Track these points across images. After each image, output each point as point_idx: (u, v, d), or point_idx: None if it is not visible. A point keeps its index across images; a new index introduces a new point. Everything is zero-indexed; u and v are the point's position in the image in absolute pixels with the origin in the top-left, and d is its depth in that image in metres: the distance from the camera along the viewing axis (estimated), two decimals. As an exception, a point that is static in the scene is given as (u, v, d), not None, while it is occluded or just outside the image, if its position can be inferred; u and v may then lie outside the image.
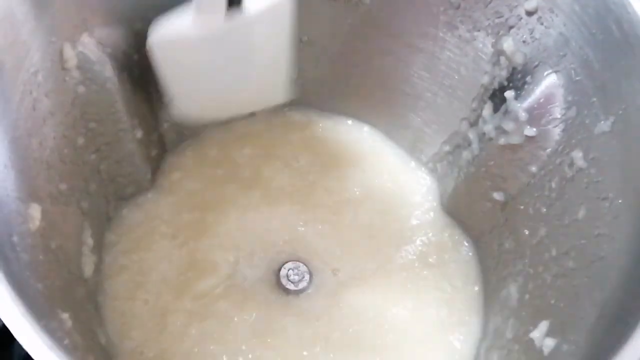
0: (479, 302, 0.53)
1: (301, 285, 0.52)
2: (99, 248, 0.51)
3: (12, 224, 0.35)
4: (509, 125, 0.46)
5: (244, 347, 0.49)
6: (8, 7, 0.36)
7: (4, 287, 0.30)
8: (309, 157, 0.58)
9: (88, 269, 0.47)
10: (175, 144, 0.58)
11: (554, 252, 0.44)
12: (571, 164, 0.42)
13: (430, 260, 0.54)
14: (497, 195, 0.50)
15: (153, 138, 0.54)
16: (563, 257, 0.43)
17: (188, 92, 0.47)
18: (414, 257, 0.54)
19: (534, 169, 0.46)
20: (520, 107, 0.45)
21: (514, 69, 0.45)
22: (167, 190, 0.56)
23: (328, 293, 0.52)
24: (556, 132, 0.43)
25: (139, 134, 0.51)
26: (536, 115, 0.44)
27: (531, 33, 0.43)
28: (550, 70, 0.42)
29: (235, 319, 0.50)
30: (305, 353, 0.49)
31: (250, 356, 0.49)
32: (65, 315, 0.37)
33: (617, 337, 0.32)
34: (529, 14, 0.43)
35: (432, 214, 0.57)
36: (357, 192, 0.57)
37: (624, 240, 0.37)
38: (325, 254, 0.54)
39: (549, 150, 0.44)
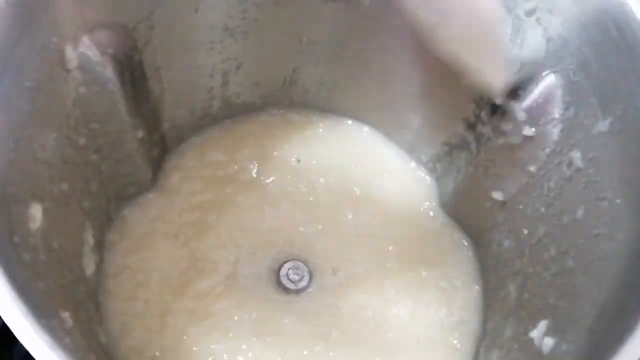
0: (478, 301, 0.53)
1: (301, 285, 0.52)
2: (100, 248, 0.51)
3: (13, 224, 0.35)
4: (507, 126, 0.46)
5: (244, 347, 0.49)
6: (8, 7, 0.36)
7: (5, 287, 0.30)
8: (309, 157, 0.59)
9: (89, 269, 0.47)
10: (176, 144, 0.58)
11: (553, 252, 0.44)
12: (570, 164, 0.43)
13: (430, 260, 0.54)
14: (497, 195, 0.50)
15: (154, 138, 0.54)
16: (562, 257, 0.43)
17: None
18: (414, 256, 0.54)
19: (532, 168, 0.46)
20: (518, 107, 0.45)
21: (512, 69, 0.45)
22: (168, 190, 0.56)
23: (328, 292, 0.52)
24: (555, 132, 0.43)
25: (140, 134, 0.51)
26: (535, 115, 0.44)
27: (530, 34, 0.43)
28: (548, 71, 0.43)
29: (236, 318, 0.50)
30: (305, 352, 0.49)
31: (250, 355, 0.49)
32: (66, 315, 0.37)
33: (616, 337, 0.32)
34: (528, 14, 0.43)
35: (431, 213, 0.57)
36: (357, 192, 0.57)
37: (622, 240, 0.38)
38: (325, 253, 0.54)
39: (547, 150, 0.44)
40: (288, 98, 0.60)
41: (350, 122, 0.61)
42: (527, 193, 0.47)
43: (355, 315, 0.51)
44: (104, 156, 0.49)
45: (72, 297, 0.42)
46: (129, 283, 0.51)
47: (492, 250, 0.52)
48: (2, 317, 0.30)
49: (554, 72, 0.42)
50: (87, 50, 0.43)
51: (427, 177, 0.59)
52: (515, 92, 0.46)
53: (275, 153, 0.58)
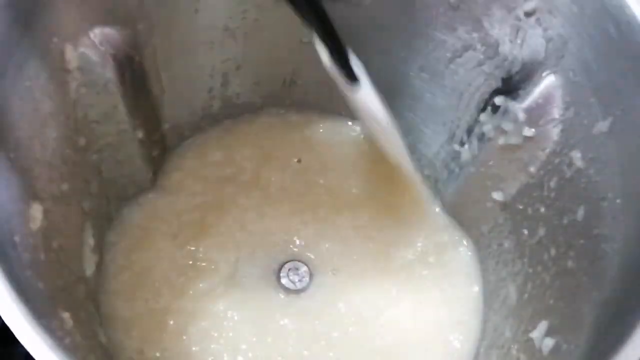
0: (478, 301, 0.53)
1: (301, 285, 0.52)
2: (100, 248, 0.51)
3: (13, 224, 0.35)
4: (508, 126, 0.46)
5: (244, 347, 0.49)
6: (9, 7, 0.36)
7: (5, 287, 0.30)
8: (309, 157, 0.59)
9: (89, 269, 0.47)
10: (176, 144, 0.58)
11: (553, 252, 0.44)
12: (570, 164, 0.43)
13: (430, 260, 0.54)
14: (497, 195, 0.50)
15: (154, 138, 0.54)
16: (562, 257, 0.43)
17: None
18: (414, 257, 0.54)
19: (533, 169, 0.46)
20: (519, 107, 0.45)
21: (512, 69, 0.46)
22: (168, 190, 0.56)
23: (328, 293, 0.52)
24: (555, 132, 0.43)
25: (140, 134, 0.51)
26: (535, 115, 0.44)
27: (530, 34, 0.43)
28: (548, 71, 0.43)
29: (236, 319, 0.50)
30: (305, 352, 0.49)
31: (250, 355, 0.49)
32: (66, 315, 0.37)
33: (616, 337, 0.32)
34: (528, 15, 0.43)
35: (432, 214, 0.57)
36: (357, 192, 0.57)
37: (622, 240, 0.38)
38: (325, 254, 0.54)
39: (547, 150, 0.44)
40: (288, 98, 0.60)
41: (350, 122, 0.61)
42: (527, 193, 0.47)
43: (355, 315, 0.51)
44: (104, 156, 0.49)
45: (72, 298, 0.42)
46: (129, 283, 0.51)
47: (492, 251, 0.52)
48: (2, 318, 0.30)
49: (554, 73, 0.42)
50: (87, 51, 0.43)
51: (428, 177, 0.59)
52: (515, 92, 0.46)
53: (275, 153, 0.58)
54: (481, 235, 0.54)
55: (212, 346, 0.49)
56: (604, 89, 0.39)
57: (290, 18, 0.52)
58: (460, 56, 0.49)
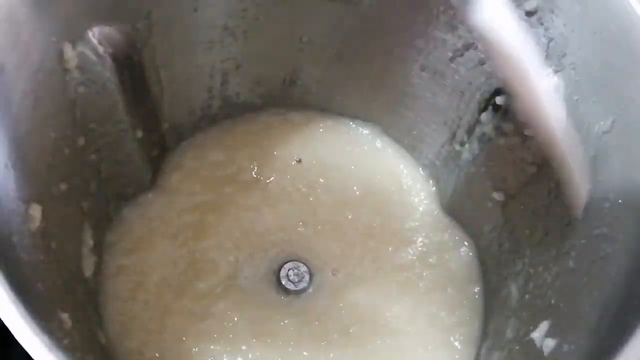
0: (479, 302, 0.53)
1: (301, 286, 0.52)
2: (99, 248, 0.51)
3: (12, 224, 0.35)
4: (508, 126, 0.46)
5: (243, 347, 0.49)
6: (8, 7, 0.36)
7: (4, 287, 0.30)
8: (309, 157, 0.58)
9: (88, 269, 0.47)
10: (175, 144, 0.58)
11: (554, 252, 0.44)
12: (570, 164, 0.42)
13: (431, 260, 0.54)
14: (497, 195, 0.50)
15: (153, 138, 0.54)
16: (563, 257, 0.43)
17: None
18: (414, 257, 0.54)
19: (533, 169, 0.46)
20: (519, 107, 0.45)
21: (513, 69, 0.45)
22: (167, 190, 0.56)
23: (328, 293, 0.52)
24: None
25: (140, 134, 0.51)
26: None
27: (530, 34, 0.43)
28: (550, 70, 0.42)
29: (235, 319, 0.50)
30: (305, 353, 0.49)
31: (250, 356, 0.49)
32: (65, 315, 0.37)
33: (617, 337, 0.32)
34: (529, 14, 0.43)
35: (432, 214, 0.57)
36: (357, 192, 0.57)
37: (623, 240, 0.37)
38: (325, 254, 0.54)
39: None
40: (288, 98, 0.60)
41: (350, 122, 0.61)
42: (528, 193, 0.47)
43: (355, 315, 0.51)
44: (103, 156, 0.49)
45: (71, 298, 0.42)
46: (128, 284, 0.51)
47: (492, 251, 0.52)
48: (1, 319, 0.29)
49: (555, 72, 0.42)
50: (86, 50, 0.43)
51: (428, 177, 0.59)
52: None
53: (275, 153, 0.58)
54: (482, 235, 0.54)
55: (211, 347, 0.49)
56: (605, 88, 0.39)
57: (290, 17, 0.52)
58: (461, 55, 0.49)
